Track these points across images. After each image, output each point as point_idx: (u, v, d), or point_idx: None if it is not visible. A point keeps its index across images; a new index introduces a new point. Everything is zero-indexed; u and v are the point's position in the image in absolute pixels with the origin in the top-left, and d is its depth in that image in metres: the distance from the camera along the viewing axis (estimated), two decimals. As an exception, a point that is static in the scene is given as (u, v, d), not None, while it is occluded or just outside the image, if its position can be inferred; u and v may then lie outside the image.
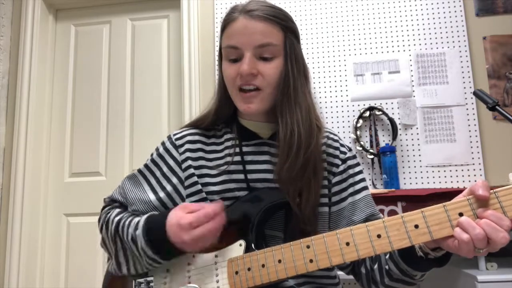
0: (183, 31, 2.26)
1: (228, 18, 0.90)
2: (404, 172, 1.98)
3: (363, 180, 0.95)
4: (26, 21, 2.34)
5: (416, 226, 0.67)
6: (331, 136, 0.97)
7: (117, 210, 0.94)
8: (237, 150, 0.92)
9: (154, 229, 0.80)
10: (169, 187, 0.93)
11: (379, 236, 0.68)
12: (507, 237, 0.61)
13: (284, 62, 0.89)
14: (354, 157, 0.97)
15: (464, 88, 2.01)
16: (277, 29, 0.88)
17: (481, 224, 0.62)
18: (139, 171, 0.98)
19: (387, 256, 0.82)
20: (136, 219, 0.85)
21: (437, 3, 2.11)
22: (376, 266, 0.85)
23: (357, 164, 0.96)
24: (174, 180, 0.93)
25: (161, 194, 0.92)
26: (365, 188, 0.94)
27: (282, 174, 0.84)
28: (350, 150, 0.97)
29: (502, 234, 0.61)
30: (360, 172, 0.96)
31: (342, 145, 0.96)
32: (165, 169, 0.95)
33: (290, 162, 0.83)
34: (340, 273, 0.97)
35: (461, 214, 0.65)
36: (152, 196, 0.93)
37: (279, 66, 0.88)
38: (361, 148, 2.00)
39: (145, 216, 0.84)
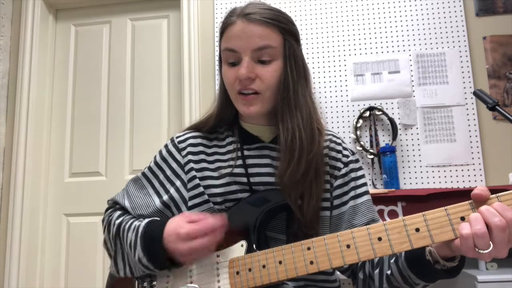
0: (183, 31, 2.26)
1: (227, 22, 0.90)
2: (404, 172, 1.98)
3: (364, 184, 0.94)
4: (26, 21, 2.34)
5: (417, 230, 0.66)
6: (334, 139, 0.96)
7: (119, 212, 0.95)
8: (239, 154, 0.92)
9: (151, 236, 0.81)
10: (172, 190, 0.93)
11: (379, 239, 0.68)
12: (503, 223, 0.60)
13: (283, 65, 0.88)
14: (357, 160, 0.96)
15: (464, 88, 2.02)
16: (276, 31, 0.87)
17: (482, 212, 0.62)
18: (143, 174, 0.99)
19: (392, 260, 0.81)
20: (137, 223, 0.86)
21: (437, 3, 2.11)
22: (377, 271, 0.84)
23: (360, 168, 0.95)
24: (178, 183, 0.93)
25: (165, 198, 0.93)
26: (367, 192, 0.94)
27: (284, 178, 0.84)
28: (353, 153, 0.97)
29: (498, 218, 0.60)
30: (362, 176, 0.95)
31: (345, 149, 0.96)
32: (168, 172, 0.95)
33: (292, 168, 0.83)
34: (337, 273, 0.97)
35: (463, 218, 0.64)
36: (156, 200, 0.93)
37: (278, 69, 0.88)
38: (361, 148, 2.00)
39: (145, 222, 0.85)
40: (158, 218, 0.89)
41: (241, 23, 0.87)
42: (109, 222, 0.93)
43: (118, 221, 0.91)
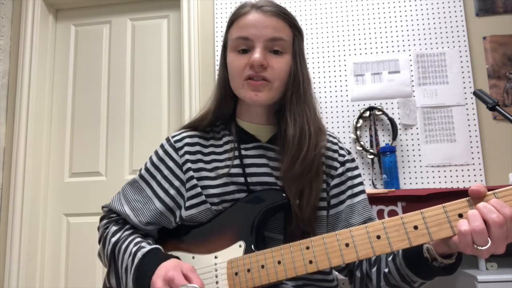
0: (183, 31, 2.26)
1: (239, 12, 0.92)
2: (404, 172, 1.98)
3: (361, 183, 0.94)
4: (26, 21, 2.34)
5: (416, 227, 0.67)
6: (331, 139, 0.96)
7: (114, 228, 0.91)
8: (236, 153, 0.92)
9: (144, 270, 0.78)
10: (172, 191, 0.92)
11: (378, 237, 0.68)
12: (501, 220, 0.61)
13: (293, 60, 0.90)
14: (353, 160, 0.96)
15: (464, 88, 2.01)
16: (287, 26, 0.90)
17: (479, 208, 0.62)
18: (140, 176, 0.96)
19: (389, 258, 0.81)
20: (132, 250, 0.83)
21: (437, 3, 2.10)
22: (374, 269, 0.84)
23: (356, 168, 0.96)
24: (176, 183, 0.92)
25: (166, 200, 0.91)
26: (363, 191, 0.94)
27: (289, 172, 0.84)
28: (349, 153, 0.97)
29: (496, 214, 0.61)
30: (359, 175, 0.95)
31: (341, 148, 0.96)
32: (166, 172, 0.93)
33: (299, 161, 0.83)
34: (336, 272, 0.97)
35: (460, 215, 0.65)
36: (157, 203, 0.91)
37: (289, 62, 0.89)
38: (361, 148, 1.99)
39: (139, 256, 0.81)
40: (157, 246, 0.85)
41: (256, 14, 0.89)
42: (105, 237, 0.91)
43: (113, 239, 0.88)
